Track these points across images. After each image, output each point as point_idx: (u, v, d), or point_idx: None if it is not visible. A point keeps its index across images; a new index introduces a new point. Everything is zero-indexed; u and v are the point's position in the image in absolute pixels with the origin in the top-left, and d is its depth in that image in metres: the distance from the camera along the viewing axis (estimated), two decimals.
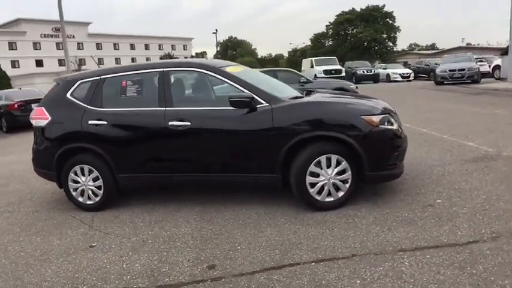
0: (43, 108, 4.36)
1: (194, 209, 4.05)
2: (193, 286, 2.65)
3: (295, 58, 53.55)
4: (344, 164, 3.60)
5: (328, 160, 3.60)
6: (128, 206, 4.30)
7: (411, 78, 24.39)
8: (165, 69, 4.05)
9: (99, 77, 4.26)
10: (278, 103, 3.72)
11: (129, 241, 3.46)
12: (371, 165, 3.59)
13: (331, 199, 3.67)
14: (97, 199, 4.22)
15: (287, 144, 3.60)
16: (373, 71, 24.65)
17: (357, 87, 11.29)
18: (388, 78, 24.72)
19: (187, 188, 4.53)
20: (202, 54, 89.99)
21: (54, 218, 4.19)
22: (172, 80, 4.01)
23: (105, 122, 4.05)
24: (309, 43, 55.05)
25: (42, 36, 51.31)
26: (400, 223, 3.27)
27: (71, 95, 4.26)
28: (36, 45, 50.44)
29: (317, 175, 3.62)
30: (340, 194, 3.67)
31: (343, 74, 23.76)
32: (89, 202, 4.25)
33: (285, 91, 4.31)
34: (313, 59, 26.28)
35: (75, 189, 4.26)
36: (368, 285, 2.42)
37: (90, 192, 4.22)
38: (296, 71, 11.41)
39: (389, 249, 2.85)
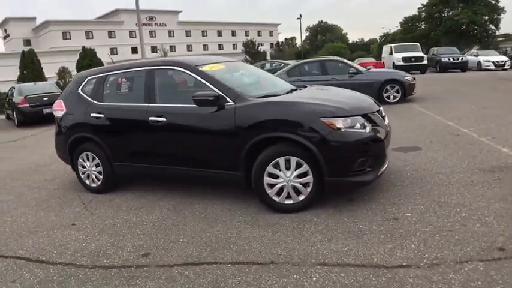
0: (61, 101, 4.99)
1: (174, 200, 4.30)
2: (118, 270, 2.91)
3: (386, 43, 50.47)
4: (305, 167, 3.49)
5: (288, 162, 3.52)
6: (126, 192, 4.73)
7: (507, 66, 21.20)
8: (150, 68, 4.32)
9: (102, 74, 4.72)
10: (242, 102, 3.73)
11: (104, 223, 3.86)
12: (330, 171, 3.42)
13: (291, 202, 3.60)
14: (99, 183, 4.74)
15: (248, 143, 3.62)
16: (460, 58, 21.98)
17: (414, 78, 10.31)
18: (479, 67, 21.86)
19: (187, 181, 4.67)
20: (292, 40, 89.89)
21: (65, 196, 4.82)
22: (155, 78, 4.25)
23: (102, 115, 4.49)
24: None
25: (137, 25, 56.28)
26: (346, 235, 3.09)
27: (81, 89, 4.79)
28: (132, 34, 55.45)
29: (276, 176, 3.57)
30: (301, 197, 3.57)
31: (425, 61, 21.75)
32: (93, 185, 4.79)
33: (273, 88, 4.27)
34: (392, 45, 24.46)
35: (83, 173, 4.83)
36: None
37: (93, 176, 4.75)
38: (346, 61, 10.80)
39: (311, 261, 2.75)
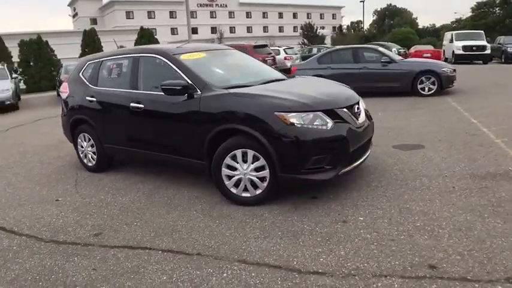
0: (66, 83, 5.35)
1: (154, 184, 4.47)
2: (67, 246, 3.13)
3: (457, 30, 46.45)
4: (261, 161, 3.44)
5: (246, 155, 3.50)
6: (117, 173, 5.00)
7: None
8: (136, 55, 4.46)
9: (99, 60, 4.97)
10: (207, 92, 3.73)
11: (82, 201, 4.14)
12: (283, 166, 3.34)
13: (248, 195, 3.58)
14: (94, 162, 5.06)
15: (210, 134, 3.64)
16: None
17: (454, 70, 9.44)
18: None
19: (172, 166, 4.78)
20: (357, 24, 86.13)
21: (65, 173, 5.22)
22: (139, 65, 4.39)
23: (95, 99, 4.76)
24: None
25: (198, 5, 57.20)
26: (285, 234, 3.02)
27: (81, 73, 5.10)
28: (192, 14, 56.80)
29: (234, 168, 3.57)
30: (258, 191, 3.54)
31: (487, 51, 19.75)
32: (89, 164, 5.14)
33: (250, 79, 4.20)
34: (454, 32, 22.44)
35: (82, 152, 5.19)
36: (149, 281, 2.49)
37: (89, 156, 5.08)
38: (380, 49, 10.13)
39: (234, 257, 2.75)
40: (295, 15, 67.57)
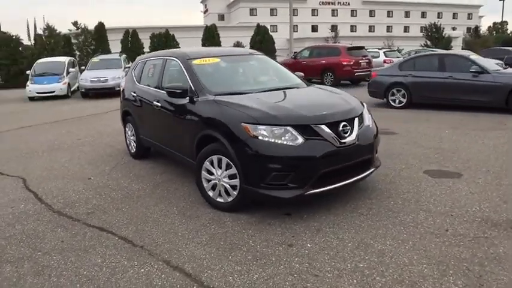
0: (125, 77, 6.13)
1: (168, 177, 4.86)
2: (61, 217, 3.73)
3: None
4: (234, 169, 3.50)
5: (221, 161, 3.59)
6: (151, 161, 5.56)
7: None
8: (164, 57, 4.89)
9: (144, 60, 5.57)
10: (202, 97, 3.91)
11: (104, 182, 4.76)
12: (246, 178, 3.35)
13: (221, 200, 3.68)
14: (134, 150, 5.73)
15: (196, 137, 3.84)
16: None
17: None
18: None
19: None
20: (502, 25, 74.82)
21: (115, 156, 5.99)
22: (165, 67, 4.79)
23: (135, 94, 5.37)
24: None
25: (320, 3, 56.76)
26: (224, 245, 3.05)
27: (133, 70, 5.78)
28: (313, 12, 56.65)
29: (211, 173, 3.70)
30: (230, 198, 3.61)
31: None
32: (132, 151, 5.83)
33: (256, 86, 4.23)
34: None
35: (127, 139, 5.92)
36: (87, 260, 2.81)
37: (132, 143, 5.77)
38: (472, 57, 8.66)
39: (164, 256, 2.92)
40: (423, 15, 61.69)
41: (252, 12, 54.31)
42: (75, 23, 27.89)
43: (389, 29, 59.46)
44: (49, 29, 24.13)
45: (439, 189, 4.05)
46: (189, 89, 4.06)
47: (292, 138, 3.25)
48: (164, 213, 3.74)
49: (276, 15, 55.19)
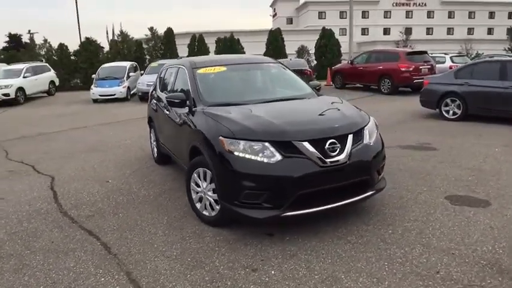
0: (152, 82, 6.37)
1: (177, 184, 4.92)
2: (66, 219, 3.94)
3: None
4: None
5: (206, 174, 3.53)
6: (170, 167, 5.69)
7: None
8: (177, 65, 4.98)
9: (166, 67, 5.71)
10: (198, 107, 3.89)
11: (118, 186, 4.96)
12: (221, 194, 3.26)
13: (207, 213, 3.62)
14: (156, 156, 5.92)
15: (188, 147, 3.83)
16: None
17: None
18: None
19: None
20: None
21: (139, 161, 6.22)
22: (177, 75, 4.85)
23: (155, 101, 5.55)
24: None
25: (394, 5, 53.95)
26: (185, 262, 3.00)
27: (161, 75, 5.87)
28: (386, 14, 54.03)
29: (198, 185, 3.65)
30: (213, 213, 3.54)
31: None
32: (154, 156, 6.03)
33: (256, 97, 4.12)
34: None
35: (152, 145, 6.13)
36: (61, 262, 2.92)
37: (155, 149, 5.96)
38: None
39: (128, 267, 2.96)
40: (510, 15, 55.62)
41: (321, 15, 53.46)
42: (150, 29, 29.94)
43: (470, 31, 54.57)
44: (122, 34, 26.13)
45: (454, 220, 3.55)
46: (190, 98, 4.06)
47: (268, 155, 3.08)
48: (153, 222, 3.79)
49: (346, 17, 53.58)
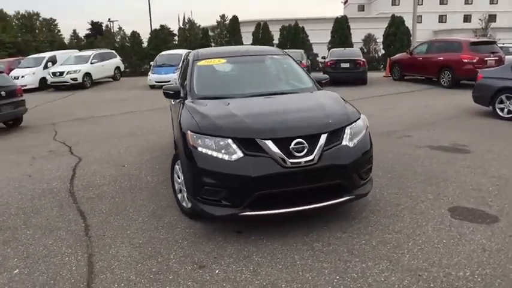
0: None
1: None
2: (69, 200, 4.30)
3: None
4: None
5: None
6: None
7: None
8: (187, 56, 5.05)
9: (186, 57, 5.81)
10: (188, 99, 3.94)
11: (125, 170, 5.26)
12: (187, 188, 3.29)
13: (185, 205, 3.69)
14: (174, 143, 6.13)
15: (174, 139, 3.91)
16: None
17: None
18: None
19: None
20: None
21: (159, 144, 6.53)
22: (187, 66, 4.91)
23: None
24: None
25: None
26: (142, 257, 3.08)
27: (179, 65, 6.12)
28: (467, 0, 48.98)
29: (179, 177, 3.72)
30: (189, 204, 3.58)
31: None
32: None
33: (247, 91, 4.04)
34: None
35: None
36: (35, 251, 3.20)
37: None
38: None
39: (94, 251, 3.14)
40: None
41: (394, 1, 50.01)
42: (222, 16, 30.76)
43: None
44: (190, 22, 27.14)
45: (443, 236, 3.19)
46: (186, 90, 4.13)
47: (230, 152, 3.03)
48: (140, 209, 3.96)
49: (422, 4, 49.54)
